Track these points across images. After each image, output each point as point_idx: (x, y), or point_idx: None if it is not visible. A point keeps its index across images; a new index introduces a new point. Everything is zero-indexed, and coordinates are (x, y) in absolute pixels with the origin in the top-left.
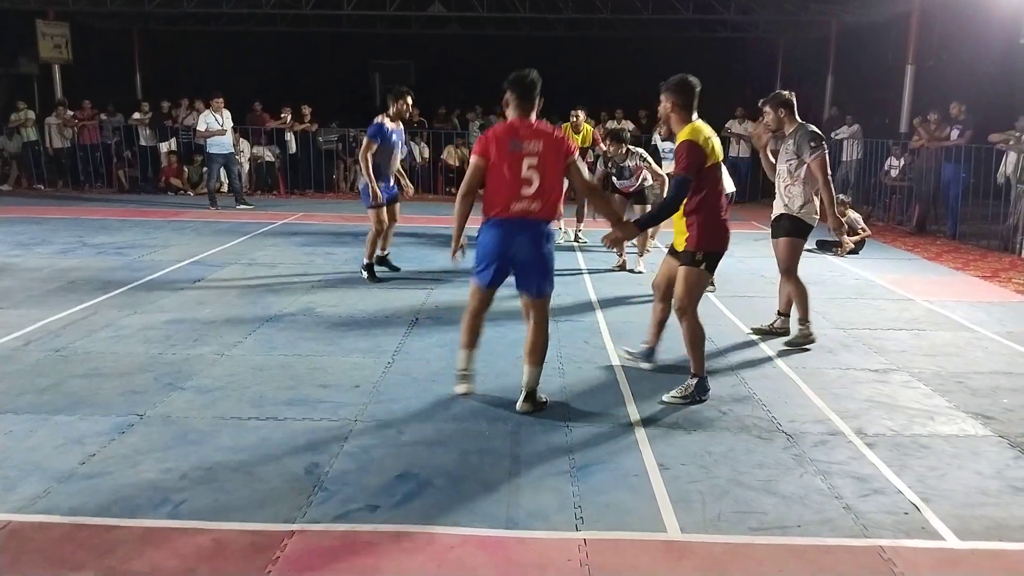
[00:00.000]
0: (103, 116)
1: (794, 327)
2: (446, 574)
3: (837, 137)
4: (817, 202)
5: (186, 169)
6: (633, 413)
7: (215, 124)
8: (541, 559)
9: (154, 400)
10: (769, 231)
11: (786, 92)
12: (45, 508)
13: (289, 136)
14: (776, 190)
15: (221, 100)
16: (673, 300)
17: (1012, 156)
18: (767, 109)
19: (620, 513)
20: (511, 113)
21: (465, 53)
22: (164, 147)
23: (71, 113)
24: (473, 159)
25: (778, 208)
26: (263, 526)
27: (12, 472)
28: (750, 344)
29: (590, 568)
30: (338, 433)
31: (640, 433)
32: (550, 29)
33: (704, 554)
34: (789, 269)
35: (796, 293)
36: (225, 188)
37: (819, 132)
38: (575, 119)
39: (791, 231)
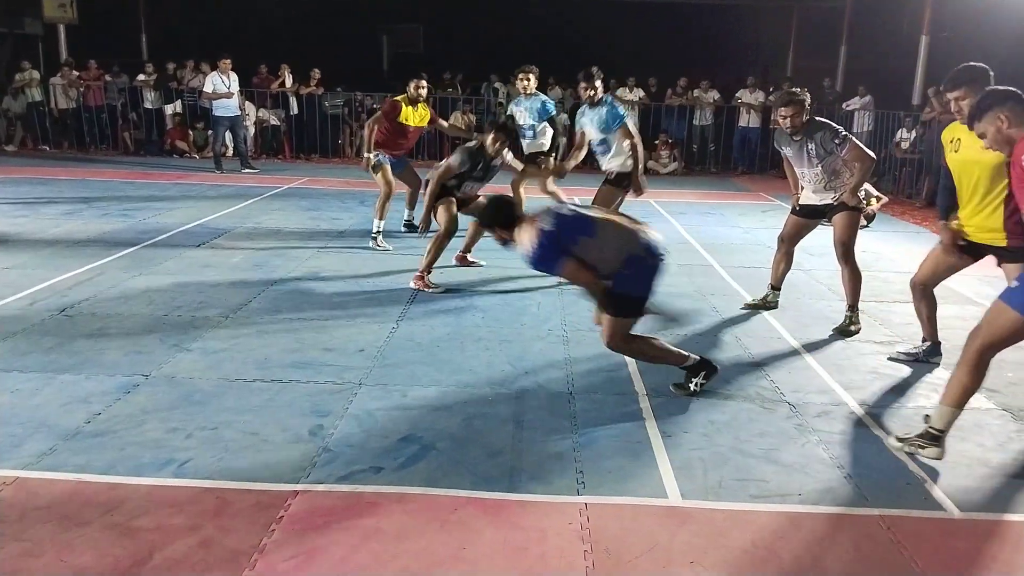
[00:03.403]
0: (108, 77)
1: (839, 313)
2: (448, 536)
3: (848, 108)
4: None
5: (191, 132)
6: (637, 382)
7: (222, 86)
8: (542, 522)
9: (159, 361)
10: (787, 205)
11: (805, 93)
12: (51, 465)
13: (292, 98)
14: (810, 191)
15: (229, 62)
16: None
17: None
18: (794, 111)
19: (622, 479)
20: None
21: (475, 18)
22: (169, 109)
23: (76, 74)
24: None
25: (827, 200)
26: (268, 486)
27: (18, 429)
28: (755, 315)
29: (591, 532)
30: (342, 396)
31: (643, 401)
32: None
33: (705, 520)
34: (848, 248)
35: (852, 277)
36: (230, 152)
37: (832, 123)
38: (420, 91)
39: (846, 208)
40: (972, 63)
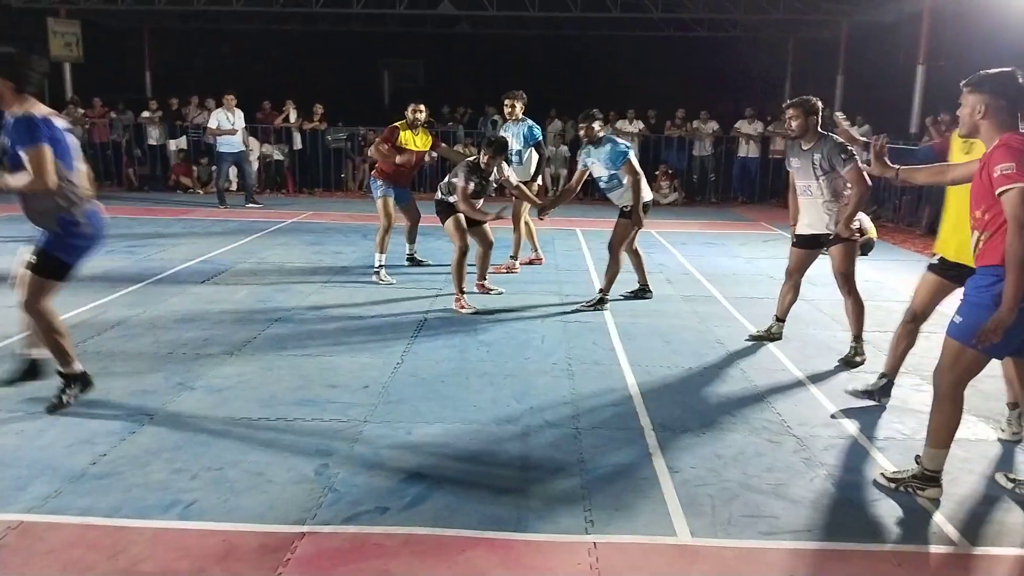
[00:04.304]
0: (113, 114)
1: (843, 344)
2: None
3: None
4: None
5: (195, 168)
6: (643, 415)
7: (226, 123)
8: (551, 562)
9: (164, 400)
10: (790, 235)
11: (815, 99)
12: (56, 508)
13: (295, 133)
14: (809, 212)
15: (233, 99)
16: None
17: None
18: (794, 113)
19: (630, 516)
20: None
21: (475, 52)
22: (173, 145)
23: (82, 111)
24: None
25: (819, 227)
26: (274, 527)
27: (23, 471)
28: (759, 346)
29: (600, 571)
30: (348, 434)
31: (649, 436)
32: (559, 28)
33: (715, 558)
34: (849, 278)
35: (855, 307)
36: (234, 187)
37: (844, 142)
38: (418, 115)
39: (843, 240)
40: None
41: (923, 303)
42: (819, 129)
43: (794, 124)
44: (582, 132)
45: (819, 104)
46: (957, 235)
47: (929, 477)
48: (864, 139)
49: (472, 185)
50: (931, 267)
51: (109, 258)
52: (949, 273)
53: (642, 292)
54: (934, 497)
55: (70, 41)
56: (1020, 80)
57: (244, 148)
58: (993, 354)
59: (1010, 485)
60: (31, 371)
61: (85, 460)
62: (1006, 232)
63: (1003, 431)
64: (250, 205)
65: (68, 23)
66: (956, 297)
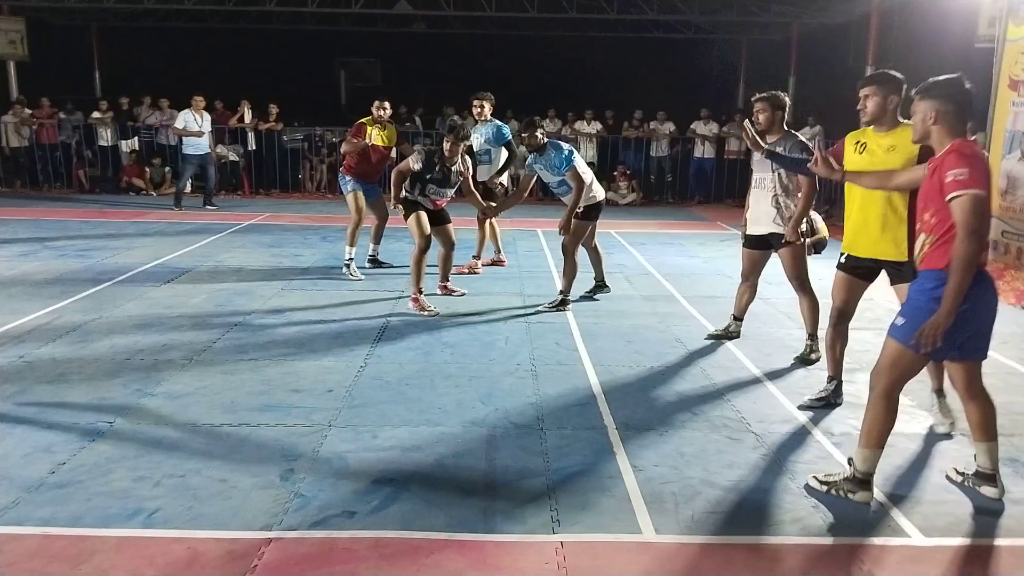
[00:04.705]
0: (62, 115)
1: (799, 341)
2: None
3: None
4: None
5: (148, 169)
6: (606, 414)
7: (194, 124)
8: (519, 562)
9: (124, 407)
10: (740, 234)
11: (783, 94)
12: (15, 519)
13: (250, 133)
14: (758, 205)
15: (201, 100)
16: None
17: None
18: (762, 107)
19: (596, 515)
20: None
21: (432, 52)
22: (125, 146)
23: (28, 111)
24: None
25: (766, 223)
26: (239, 534)
27: None
28: (718, 345)
29: (568, 571)
30: (312, 439)
31: (613, 434)
32: (516, 28)
33: (679, 555)
34: (802, 279)
35: (810, 306)
36: (188, 189)
37: (806, 141)
38: (382, 112)
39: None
40: (890, 71)
41: (843, 302)
42: (784, 126)
43: (761, 117)
44: (525, 142)
45: (786, 100)
46: (865, 231)
47: (861, 480)
48: (766, 147)
49: (419, 167)
50: (839, 266)
51: (62, 262)
52: (858, 270)
53: (598, 288)
54: (865, 501)
55: (14, 39)
56: (967, 86)
57: (210, 151)
58: (934, 356)
59: (959, 479)
60: None
61: (44, 469)
62: (954, 238)
63: (940, 424)
64: (208, 207)
65: (12, 20)
66: (877, 291)
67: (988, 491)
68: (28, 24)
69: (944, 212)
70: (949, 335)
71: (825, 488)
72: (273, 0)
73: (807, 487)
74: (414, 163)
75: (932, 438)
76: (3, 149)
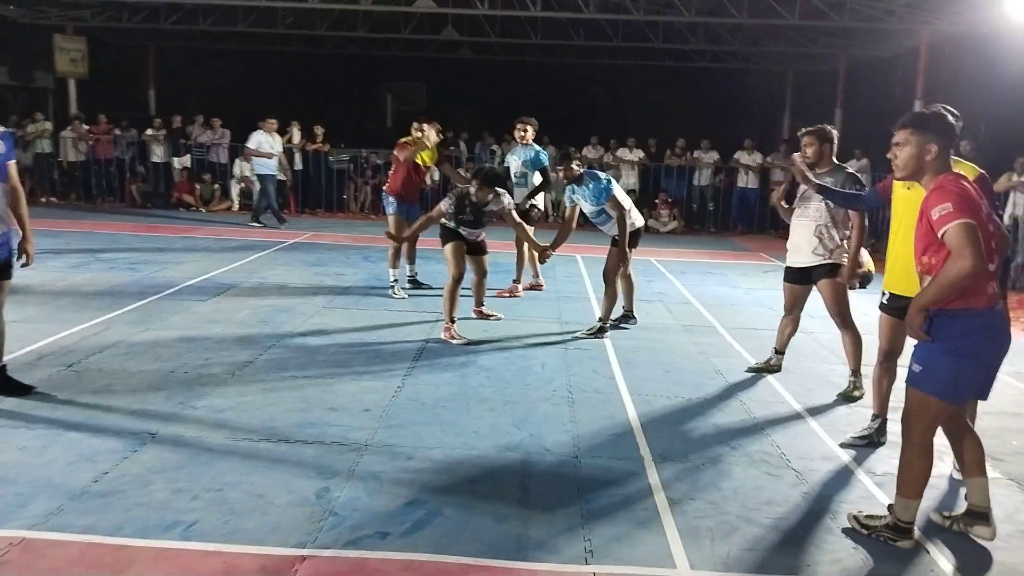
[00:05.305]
0: (117, 131)
1: (842, 377)
2: None
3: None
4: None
5: (198, 186)
6: (643, 445)
7: (266, 146)
8: None
9: (166, 419)
10: (784, 266)
11: (830, 127)
12: (58, 526)
13: (297, 153)
14: (800, 234)
15: (274, 123)
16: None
17: (1019, 197)
18: (810, 140)
19: (629, 547)
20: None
21: (476, 77)
22: (177, 163)
23: (87, 127)
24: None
25: (806, 254)
26: (274, 550)
27: (26, 488)
28: (758, 378)
29: None
30: (349, 457)
31: (649, 465)
32: (559, 55)
33: None
34: (844, 315)
35: (853, 342)
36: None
37: (857, 174)
38: (418, 133)
39: (834, 274)
40: (931, 111)
41: (889, 342)
42: (833, 159)
43: (809, 151)
44: (561, 174)
45: (834, 133)
46: (907, 268)
47: (903, 529)
48: (817, 182)
49: (451, 211)
50: (882, 307)
51: (112, 274)
52: (900, 310)
53: (626, 319)
54: (908, 547)
55: (76, 57)
56: (951, 120)
57: (277, 172)
58: (957, 402)
59: (946, 523)
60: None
61: (87, 478)
62: None
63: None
64: (253, 224)
65: (74, 39)
66: None
67: (982, 531)
68: (88, 43)
69: (940, 251)
70: (970, 379)
71: (866, 532)
72: (324, 24)
73: (848, 525)
74: (446, 207)
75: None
76: (61, 163)
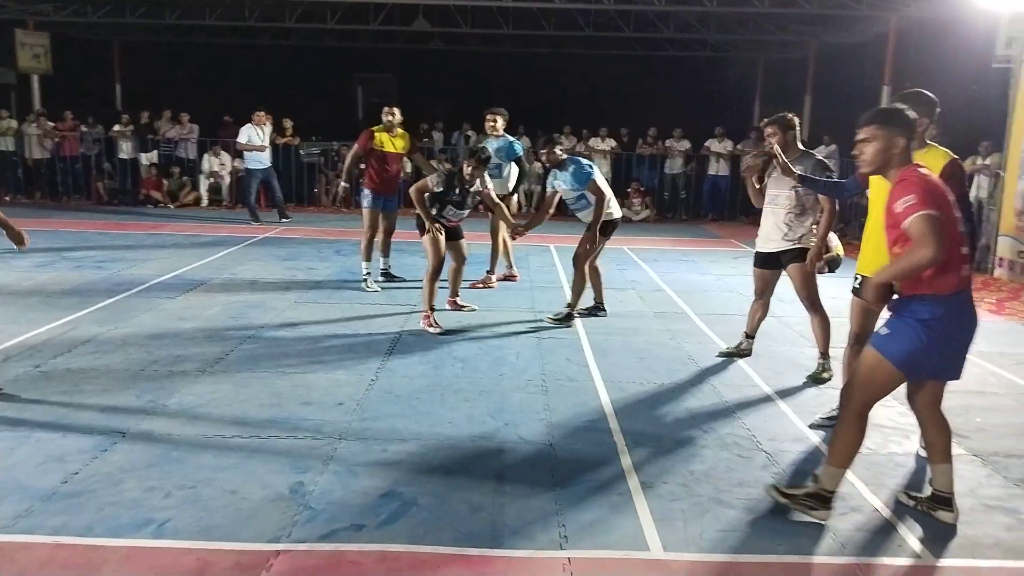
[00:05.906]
0: (83, 127)
1: (812, 360)
2: None
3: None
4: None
5: (166, 181)
6: (616, 431)
7: (256, 139)
8: None
9: (136, 417)
10: (753, 253)
11: (791, 115)
12: (27, 528)
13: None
14: (769, 220)
15: (263, 115)
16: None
17: (983, 180)
18: (773, 130)
19: (604, 531)
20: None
21: (449, 68)
22: (144, 159)
23: (52, 124)
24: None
25: (776, 240)
26: (248, 545)
27: None
28: (729, 363)
29: None
30: (322, 451)
31: (622, 451)
32: (531, 45)
33: (687, 573)
34: (813, 298)
35: (822, 325)
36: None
37: (825, 160)
38: (390, 118)
39: (803, 258)
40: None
41: (860, 325)
42: (799, 145)
43: (774, 140)
44: (544, 158)
45: (795, 120)
46: (879, 254)
47: (824, 497)
48: (799, 173)
49: (439, 189)
50: (854, 291)
51: (79, 273)
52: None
53: (596, 309)
54: (822, 519)
55: (38, 53)
56: (910, 115)
57: (270, 164)
58: (913, 376)
59: (911, 503)
60: None
61: (56, 478)
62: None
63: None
64: (284, 220)
65: (36, 35)
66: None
67: (944, 516)
68: (52, 39)
69: (909, 242)
70: (929, 357)
71: (786, 500)
72: (293, 17)
73: (768, 493)
74: (434, 185)
75: (898, 457)
76: (26, 160)
